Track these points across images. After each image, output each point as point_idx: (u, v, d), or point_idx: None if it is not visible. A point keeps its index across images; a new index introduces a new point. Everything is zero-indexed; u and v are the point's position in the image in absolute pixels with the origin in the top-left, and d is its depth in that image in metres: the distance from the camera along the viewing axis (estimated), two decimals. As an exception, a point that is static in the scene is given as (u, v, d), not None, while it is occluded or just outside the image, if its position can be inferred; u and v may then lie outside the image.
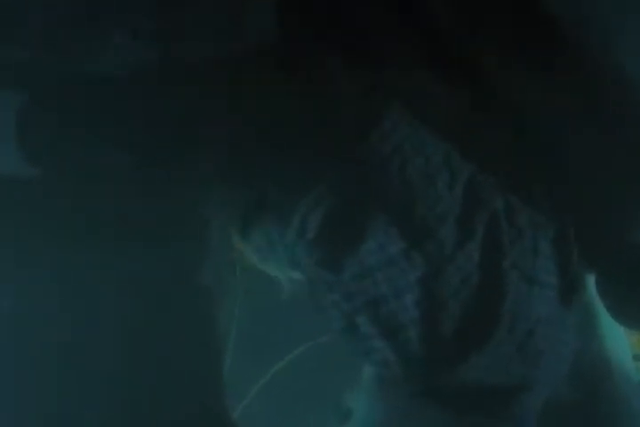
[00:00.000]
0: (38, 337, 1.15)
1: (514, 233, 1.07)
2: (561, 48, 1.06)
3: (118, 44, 0.99)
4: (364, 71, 1.05)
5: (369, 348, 1.08)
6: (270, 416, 1.78)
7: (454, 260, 1.04)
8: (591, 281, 1.17)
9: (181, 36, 1.00)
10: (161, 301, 1.18)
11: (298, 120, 1.04)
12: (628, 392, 1.21)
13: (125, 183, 1.07)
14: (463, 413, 1.10)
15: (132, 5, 0.98)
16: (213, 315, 1.27)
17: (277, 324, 1.66)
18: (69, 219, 1.11)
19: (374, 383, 1.19)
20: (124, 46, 0.98)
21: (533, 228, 1.08)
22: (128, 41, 1.00)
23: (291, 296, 1.25)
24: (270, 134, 1.04)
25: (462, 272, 1.04)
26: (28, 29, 0.99)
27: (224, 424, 1.27)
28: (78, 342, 1.14)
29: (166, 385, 1.19)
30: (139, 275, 1.15)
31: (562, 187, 1.10)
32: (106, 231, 1.11)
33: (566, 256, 1.10)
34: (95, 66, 1.00)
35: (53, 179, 1.05)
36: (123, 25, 0.99)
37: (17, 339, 1.13)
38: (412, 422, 1.14)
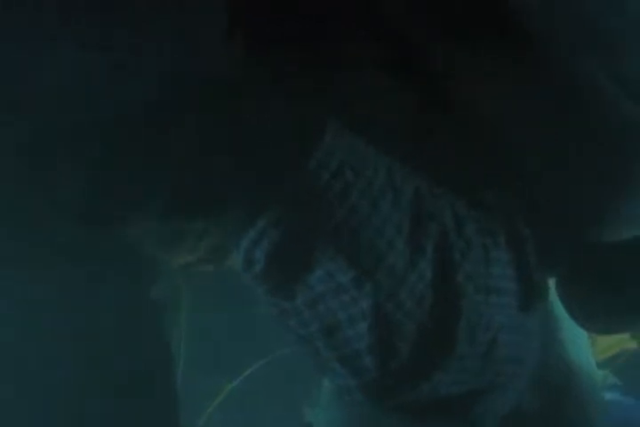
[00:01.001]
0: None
1: (463, 244, 1.05)
2: (518, 51, 1.02)
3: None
4: (303, 80, 1.02)
5: (330, 370, 1.07)
6: None
7: (406, 282, 1.02)
8: (552, 284, 1.16)
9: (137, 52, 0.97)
10: (112, 317, 1.19)
11: (234, 151, 1.02)
12: (589, 397, 1.20)
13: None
14: (424, 420, 1.08)
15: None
16: (162, 329, 1.28)
17: (235, 338, 1.66)
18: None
19: (334, 398, 1.18)
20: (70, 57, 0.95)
21: (483, 235, 1.06)
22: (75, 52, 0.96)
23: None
24: (208, 168, 1.02)
25: (415, 293, 1.03)
26: None
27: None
28: (29, 356, 1.16)
29: (117, 401, 1.19)
30: (92, 293, 1.17)
31: (513, 189, 1.08)
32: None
33: (523, 260, 1.08)
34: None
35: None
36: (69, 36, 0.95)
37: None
38: None
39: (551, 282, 1.16)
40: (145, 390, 1.23)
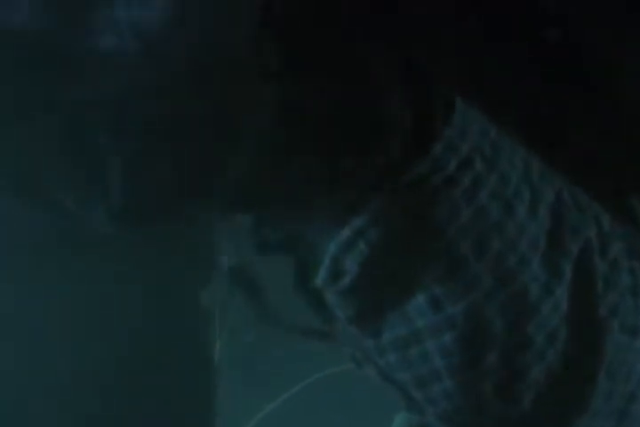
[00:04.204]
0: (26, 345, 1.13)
1: (608, 268, 0.84)
2: None
3: None
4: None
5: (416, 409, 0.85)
6: None
7: (538, 313, 0.81)
8: None
9: None
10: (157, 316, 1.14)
11: (325, 136, 0.81)
12: None
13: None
14: None
15: None
16: (207, 338, 1.21)
17: (283, 354, 1.55)
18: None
19: None
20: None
21: (632, 258, 0.85)
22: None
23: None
24: (292, 158, 0.81)
25: (548, 328, 0.82)
26: None
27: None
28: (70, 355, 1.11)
29: (155, 411, 1.15)
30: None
31: None
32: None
33: None
34: None
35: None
36: None
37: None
38: None
39: None
40: (183, 401, 1.16)
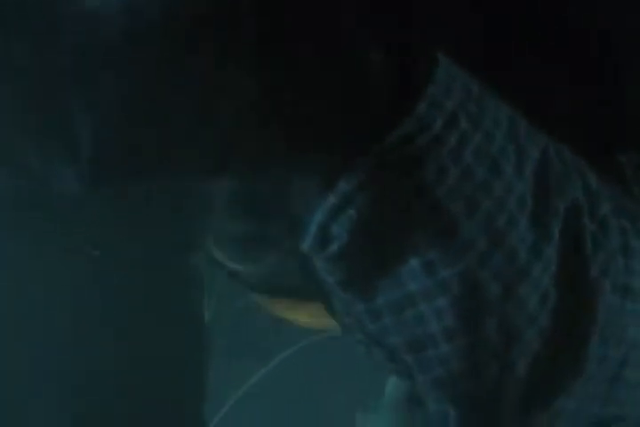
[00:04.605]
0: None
1: (597, 228, 0.82)
2: None
3: None
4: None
5: (423, 393, 0.83)
6: (253, 425, 1.68)
7: (528, 275, 0.79)
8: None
9: None
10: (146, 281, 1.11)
11: (306, 99, 0.78)
12: None
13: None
14: None
15: None
16: (197, 304, 1.19)
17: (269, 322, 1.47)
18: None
19: (399, 409, 0.96)
20: None
21: (621, 217, 0.83)
22: None
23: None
24: (278, 121, 0.78)
25: (539, 290, 0.79)
26: None
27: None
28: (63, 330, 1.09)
29: (143, 374, 1.13)
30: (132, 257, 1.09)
31: None
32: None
33: None
34: None
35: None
36: None
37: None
38: None
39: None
40: (174, 367, 1.15)
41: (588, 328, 0.80)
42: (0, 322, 1.11)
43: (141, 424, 1.12)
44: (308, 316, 1.21)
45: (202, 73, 0.76)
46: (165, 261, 1.11)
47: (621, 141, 0.88)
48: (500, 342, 0.79)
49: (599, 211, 0.82)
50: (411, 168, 0.76)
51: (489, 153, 0.77)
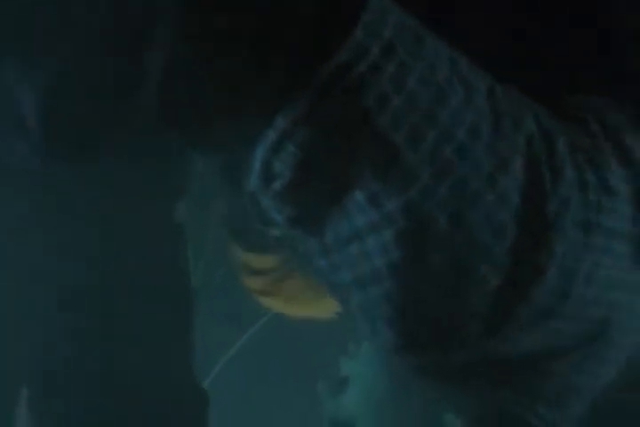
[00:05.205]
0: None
1: (554, 163, 0.82)
2: None
3: None
4: None
5: (372, 328, 0.83)
6: (244, 384, 1.72)
7: (482, 204, 0.78)
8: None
9: None
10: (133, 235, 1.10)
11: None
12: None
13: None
14: (486, 388, 0.87)
15: None
16: (183, 255, 1.17)
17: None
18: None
19: (377, 351, 0.99)
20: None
21: (575, 152, 0.83)
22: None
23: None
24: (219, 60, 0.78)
25: (493, 222, 0.79)
26: None
27: (189, 389, 1.17)
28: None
29: (131, 344, 1.12)
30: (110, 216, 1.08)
31: (619, 92, 0.87)
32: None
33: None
34: None
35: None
36: None
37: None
38: (417, 394, 0.94)
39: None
40: (161, 315, 1.14)
41: (546, 261, 0.80)
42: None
43: (126, 376, 1.11)
44: (283, 302, 1.22)
45: (131, 30, 0.77)
46: (147, 210, 1.10)
47: (572, 84, 0.88)
48: (450, 276, 0.79)
49: (554, 146, 0.82)
50: (351, 97, 0.76)
51: (434, 82, 0.77)
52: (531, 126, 0.81)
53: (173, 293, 1.14)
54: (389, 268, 0.78)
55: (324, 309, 1.19)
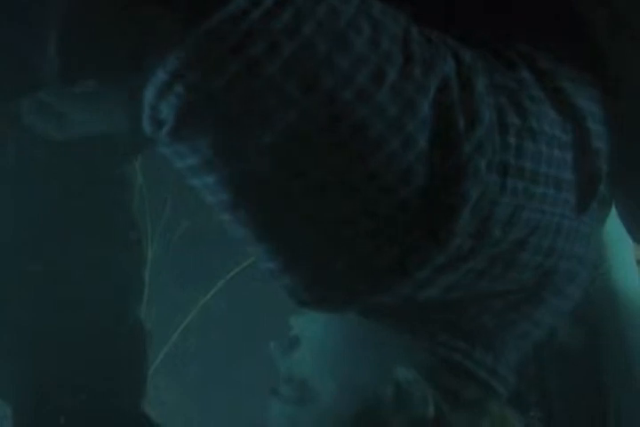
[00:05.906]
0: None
1: (472, 104, 0.80)
2: None
3: None
4: None
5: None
6: (201, 347, 1.73)
7: (386, 147, 0.78)
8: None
9: None
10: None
11: None
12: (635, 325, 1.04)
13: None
14: (425, 332, 0.88)
15: None
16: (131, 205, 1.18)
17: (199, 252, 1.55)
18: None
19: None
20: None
21: (498, 94, 0.82)
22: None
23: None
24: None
25: (399, 165, 0.78)
26: None
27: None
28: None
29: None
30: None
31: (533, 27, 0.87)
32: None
33: (579, 139, 0.84)
34: None
35: None
36: None
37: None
38: (369, 347, 0.93)
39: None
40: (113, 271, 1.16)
41: (459, 204, 0.79)
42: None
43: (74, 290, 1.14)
44: None
45: None
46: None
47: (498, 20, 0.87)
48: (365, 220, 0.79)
49: (473, 87, 0.80)
50: (241, 43, 0.75)
51: (335, 27, 0.76)
52: (447, 70, 0.79)
53: (123, 235, 1.15)
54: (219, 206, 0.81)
55: None
